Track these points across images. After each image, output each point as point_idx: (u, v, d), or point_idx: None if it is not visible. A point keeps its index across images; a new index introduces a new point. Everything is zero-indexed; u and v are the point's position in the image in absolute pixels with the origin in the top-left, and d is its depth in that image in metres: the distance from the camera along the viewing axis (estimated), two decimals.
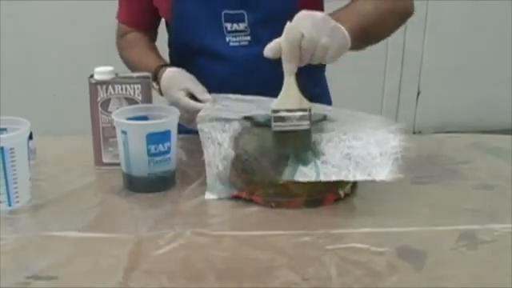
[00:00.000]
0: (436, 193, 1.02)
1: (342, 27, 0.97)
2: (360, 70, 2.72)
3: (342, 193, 0.97)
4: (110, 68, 1.08)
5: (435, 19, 3.12)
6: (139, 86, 1.09)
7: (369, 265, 0.80)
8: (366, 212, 0.96)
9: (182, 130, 1.08)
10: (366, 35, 1.03)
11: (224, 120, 1.01)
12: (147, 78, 1.11)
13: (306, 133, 0.95)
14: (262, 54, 1.21)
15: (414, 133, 3.08)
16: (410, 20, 1.19)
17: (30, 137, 1.01)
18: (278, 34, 1.21)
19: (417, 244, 0.85)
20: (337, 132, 0.97)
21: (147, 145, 0.98)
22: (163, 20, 1.33)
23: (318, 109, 1.05)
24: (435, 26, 3.13)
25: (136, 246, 0.85)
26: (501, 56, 3.18)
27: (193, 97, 1.14)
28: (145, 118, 1.06)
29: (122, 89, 1.08)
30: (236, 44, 1.22)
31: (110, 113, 1.06)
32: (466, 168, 1.12)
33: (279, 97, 0.95)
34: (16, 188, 0.95)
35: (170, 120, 1.01)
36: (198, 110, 1.06)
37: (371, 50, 1.16)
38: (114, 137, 1.04)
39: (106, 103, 1.08)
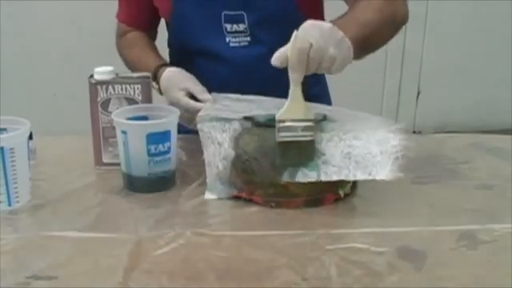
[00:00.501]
0: (436, 193, 1.02)
1: (348, 39, 0.96)
2: (360, 70, 2.71)
3: (341, 193, 0.97)
4: (109, 68, 1.08)
5: (435, 19, 3.12)
6: (139, 86, 1.09)
7: (369, 265, 0.80)
8: (365, 212, 0.96)
9: (181, 130, 1.08)
10: (365, 45, 1.02)
11: (224, 120, 1.01)
12: (147, 77, 1.11)
13: (310, 143, 0.94)
14: (262, 54, 1.21)
15: (414, 133, 3.07)
16: (410, 20, 1.19)
17: (30, 137, 1.01)
18: (278, 34, 1.21)
19: (417, 244, 0.85)
20: (337, 131, 0.97)
21: (147, 145, 0.98)
22: (163, 19, 1.33)
23: (318, 109, 1.05)
24: (435, 26, 3.13)
25: (136, 245, 0.85)
26: (501, 56, 3.18)
27: (193, 97, 1.14)
28: (145, 118, 1.06)
29: (121, 89, 1.08)
30: (236, 44, 1.22)
31: (110, 113, 1.06)
32: (465, 168, 1.12)
33: (285, 106, 0.93)
34: (16, 188, 0.95)
35: (170, 120, 1.01)
36: (198, 110, 1.06)
37: None
38: (114, 137, 1.04)
39: (105, 103, 1.08)
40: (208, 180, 1.00)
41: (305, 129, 0.93)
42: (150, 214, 0.94)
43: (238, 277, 0.78)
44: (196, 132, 1.03)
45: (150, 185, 1.01)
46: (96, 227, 0.90)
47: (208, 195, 0.99)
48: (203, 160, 1.01)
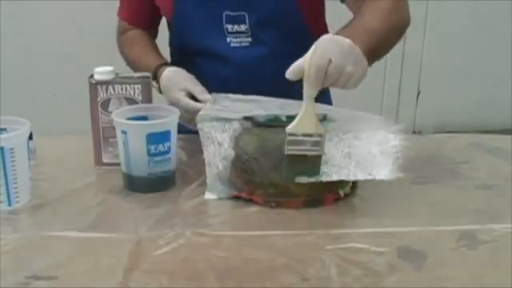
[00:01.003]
0: (436, 193, 1.02)
1: (364, 56, 0.94)
2: None
3: (342, 193, 0.97)
4: (109, 68, 1.08)
5: (435, 19, 3.12)
6: (139, 86, 1.09)
7: (369, 265, 0.80)
8: (366, 212, 0.96)
9: (181, 130, 1.08)
10: (374, 54, 1.01)
11: (224, 120, 1.01)
12: (147, 77, 1.10)
13: (317, 158, 0.93)
14: (263, 55, 1.21)
15: (414, 133, 3.07)
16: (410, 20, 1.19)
17: (30, 137, 1.01)
18: (279, 36, 1.21)
19: (417, 244, 0.85)
20: (337, 131, 0.97)
21: (147, 145, 0.98)
22: (164, 18, 1.33)
23: (318, 108, 1.05)
24: (435, 26, 3.13)
25: (136, 245, 0.85)
26: (501, 56, 3.18)
27: (193, 97, 1.14)
28: (145, 118, 1.06)
29: (122, 89, 1.08)
30: (237, 45, 1.22)
31: (110, 113, 1.06)
32: (465, 168, 1.12)
33: (296, 120, 0.92)
34: (16, 188, 0.95)
35: (170, 120, 1.01)
36: (198, 111, 1.06)
37: None
38: (114, 137, 1.04)
39: (106, 103, 1.08)
40: (208, 180, 1.00)
41: (314, 144, 0.92)
42: (149, 214, 0.94)
43: (238, 277, 0.78)
44: (196, 132, 1.03)
45: (150, 185, 1.01)
46: (96, 227, 0.90)
47: (208, 195, 0.99)
48: (203, 160, 1.01)
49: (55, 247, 0.85)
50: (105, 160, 1.11)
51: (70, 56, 2.79)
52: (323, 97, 1.36)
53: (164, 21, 1.33)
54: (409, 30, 1.15)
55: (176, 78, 1.18)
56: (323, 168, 0.94)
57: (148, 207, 0.97)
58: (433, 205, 0.98)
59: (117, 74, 1.09)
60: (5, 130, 0.97)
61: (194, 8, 1.20)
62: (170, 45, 1.34)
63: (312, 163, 0.93)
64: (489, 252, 0.84)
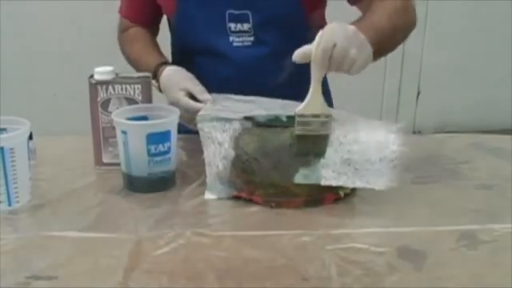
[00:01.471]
0: (436, 193, 1.02)
1: (368, 42, 0.99)
2: None
3: (342, 193, 0.97)
4: (109, 68, 1.08)
5: (435, 19, 3.12)
6: (139, 86, 1.09)
7: (369, 265, 0.80)
8: (365, 212, 0.96)
9: (181, 130, 1.08)
10: (380, 50, 1.04)
11: (224, 120, 1.01)
12: (147, 77, 1.11)
13: (325, 137, 0.97)
14: (264, 55, 1.21)
15: (414, 133, 3.07)
16: None
17: (30, 137, 1.01)
18: (281, 36, 1.21)
19: (417, 244, 0.85)
20: (337, 135, 0.97)
21: (147, 145, 0.98)
22: (165, 17, 1.32)
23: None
24: (435, 26, 3.13)
25: (136, 245, 0.85)
26: (501, 56, 3.18)
27: (193, 97, 1.14)
28: (145, 118, 1.06)
29: (121, 89, 1.08)
30: (239, 44, 1.21)
31: (110, 113, 1.06)
32: (466, 168, 1.12)
33: (305, 102, 0.96)
34: (16, 188, 0.95)
35: (170, 120, 1.01)
36: (198, 110, 1.06)
37: None
38: (114, 137, 1.04)
39: (106, 103, 1.08)
40: (208, 180, 1.00)
41: (322, 124, 0.96)
42: (149, 214, 0.94)
43: (238, 277, 0.78)
44: (196, 132, 1.03)
45: (150, 185, 1.01)
46: (96, 227, 0.90)
47: (208, 195, 0.99)
48: (203, 160, 1.01)
49: (55, 247, 0.85)
50: (105, 160, 1.11)
51: (69, 56, 2.78)
52: (324, 97, 1.37)
53: (165, 19, 1.33)
54: None
55: (176, 78, 1.18)
56: (323, 172, 0.94)
57: (148, 207, 0.97)
58: (433, 205, 0.98)
59: (117, 74, 1.09)
60: (5, 129, 0.97)
61: (196, 6, 1.20)
62: (172, 44, 1.34)
63: (320, 143, 0.96)
64: (489, 252, 0.84)
